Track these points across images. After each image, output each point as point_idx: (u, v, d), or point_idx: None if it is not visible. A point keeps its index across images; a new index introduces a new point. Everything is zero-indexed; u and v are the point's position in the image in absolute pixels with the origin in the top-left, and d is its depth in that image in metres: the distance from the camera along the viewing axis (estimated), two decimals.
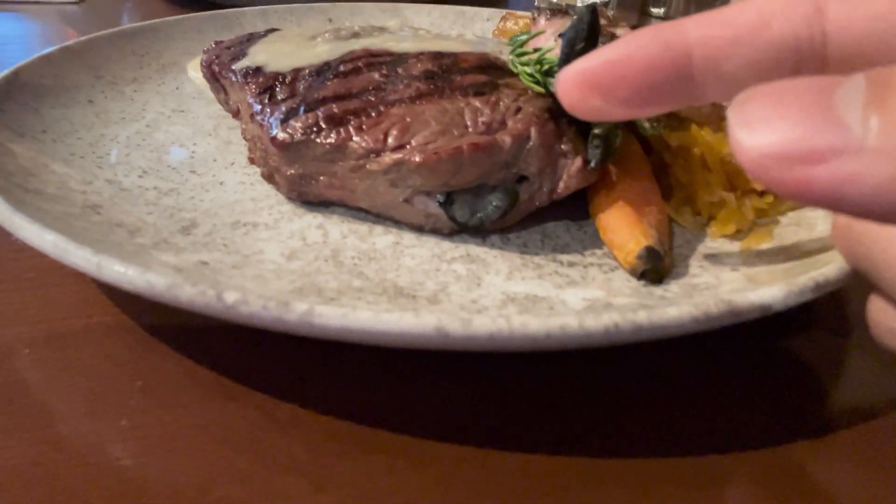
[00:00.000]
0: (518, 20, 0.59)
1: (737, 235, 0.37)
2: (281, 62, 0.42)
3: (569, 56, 0.35)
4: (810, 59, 0.23)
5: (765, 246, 0.36)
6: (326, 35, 0.45)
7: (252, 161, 0.42)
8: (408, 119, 0.35)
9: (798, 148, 0.17)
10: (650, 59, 0.24)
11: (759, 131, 0.17)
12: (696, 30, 0.24)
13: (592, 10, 0.34)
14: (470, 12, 0.69)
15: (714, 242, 0.37)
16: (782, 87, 0.18)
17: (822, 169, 0.16)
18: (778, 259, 0.34)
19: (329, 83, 0.38)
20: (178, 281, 0.25)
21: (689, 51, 0.24)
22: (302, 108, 0.37)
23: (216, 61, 0.46)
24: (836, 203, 0.17)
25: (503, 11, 0.63)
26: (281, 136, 0.36)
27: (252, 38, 0.48)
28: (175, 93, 0.52)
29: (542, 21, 0.46)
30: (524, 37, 0.42)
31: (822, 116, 0.17)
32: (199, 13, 0.62)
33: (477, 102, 0.36)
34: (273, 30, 0.50)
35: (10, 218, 0.29)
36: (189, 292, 0.25)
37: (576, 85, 0.26)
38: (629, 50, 0.25)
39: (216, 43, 0.49)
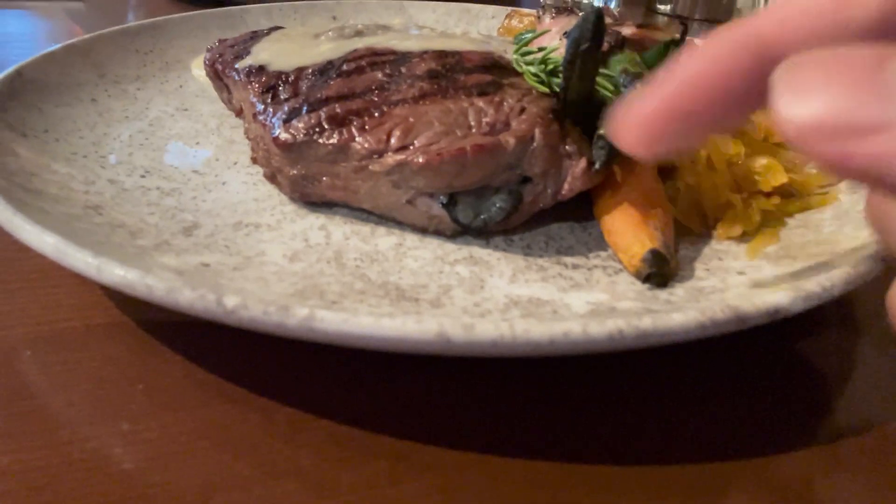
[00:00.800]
0: (523, 18, 0.58)
1: (743, 238, 0.37)
2: (284, 61, 0.42)
3: (573, 56, 0.34)
4: None
5: (771, 248, 0.35)
6: (330, 33, 0.45)
7: (255, 161, 0.42)
8: (411, 119, 0.35)
9: (840, 121, 0.16)
10: (731, 68, 0.21)
11: (801, 101, 0.16)
12: (770, 25, 0.21)
13: (598, 11, 0.34)
14: (475, 10, 0.68)
15: (720, 245, 0.36)
16: (833, 55, 0.17)
17: (863, 144, 0.16)
18: (785, 262, 0.33)
19: (332, 83, 0.38)
20: (177, 285, 0.25)
21: (769, 49, 0.20)
22: (305, 108, 0.37)
23: (219, 60, 0.46)
24: (873, 180, 0.16)
25: (508, 9, 0.63)
26: (283, 136, 0.36)
27: (255, 37, 0.47)
28: (178, 91, 0.52)
29: (547, 19, 0.46)
30: (529, 35, 0.41)
31: (869, 90, 0.16)
32: (203, 11, 0.61)
33: (481, 103, 0.36)
34: (277, 28, 0.50)
35: (11, 219, 0.29)
36: (189, 296, 0.25)
37: (650, 120, 0.21)
38: (706, 63, 0.21)
39: (220, 41, 0.49)
